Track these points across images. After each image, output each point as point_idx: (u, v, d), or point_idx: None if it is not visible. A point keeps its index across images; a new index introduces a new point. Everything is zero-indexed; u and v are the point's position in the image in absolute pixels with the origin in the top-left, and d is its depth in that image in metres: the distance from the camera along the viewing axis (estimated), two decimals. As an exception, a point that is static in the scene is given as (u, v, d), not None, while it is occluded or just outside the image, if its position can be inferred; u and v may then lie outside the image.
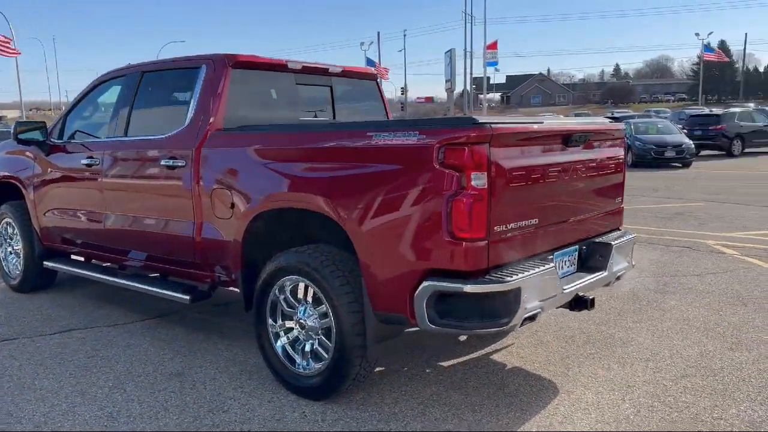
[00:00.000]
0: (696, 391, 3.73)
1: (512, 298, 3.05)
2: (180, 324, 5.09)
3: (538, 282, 3.20)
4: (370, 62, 52.09)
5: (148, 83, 4.84)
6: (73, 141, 5.39)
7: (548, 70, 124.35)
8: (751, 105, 51.14)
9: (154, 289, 4.61)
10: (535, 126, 3.33)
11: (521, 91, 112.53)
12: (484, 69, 42.92)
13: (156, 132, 4.60)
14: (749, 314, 5.16)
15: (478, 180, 2.97)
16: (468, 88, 53.35)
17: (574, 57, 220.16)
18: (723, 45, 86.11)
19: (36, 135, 5.41)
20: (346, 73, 5.08)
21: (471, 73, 52.10)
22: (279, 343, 3.80)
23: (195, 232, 4.24)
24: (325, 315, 3.54)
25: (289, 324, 3.77)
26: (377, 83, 5.39)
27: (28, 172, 5.71)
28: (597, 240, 3.97)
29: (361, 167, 3.30)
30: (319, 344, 3.61)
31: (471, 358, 4.29)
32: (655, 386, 3.80)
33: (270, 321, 3.82)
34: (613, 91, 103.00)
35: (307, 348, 3.68)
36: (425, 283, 3.07)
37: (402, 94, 68.77)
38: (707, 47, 56.87)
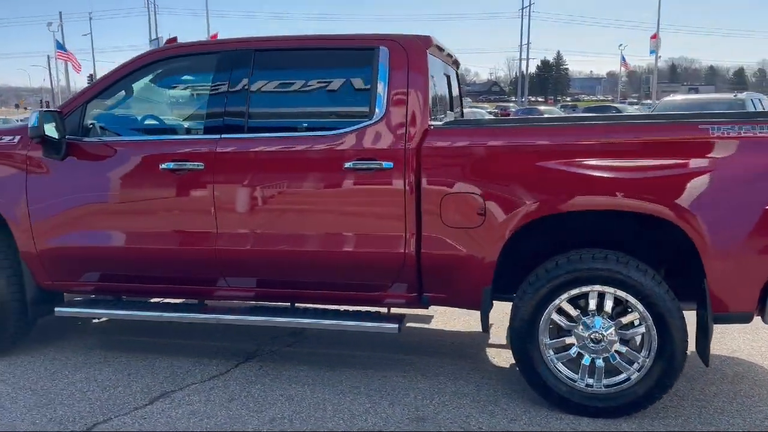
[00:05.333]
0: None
1: None
2: (284, 361, 4.16)
3: None
4: (59, 45, 46.20)
5: (270, 65, 3.84)
6: (121, 138, 4.01)
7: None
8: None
9: (349, 323, 3.75)
10: None
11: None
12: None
13: (307, 127, 3.73)
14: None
15: None
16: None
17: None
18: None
19: (47, 131, 3.83)
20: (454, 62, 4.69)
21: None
22: (552, 363, 3.43)
23: (406, 246, 3.54)
24: (629, 326, 3.32)
25: (569, 340, 3.42)
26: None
27: (13, 184, 4.01)
28: None
29: (705, 163, 3.16)
30: (622, 358, 3.36)
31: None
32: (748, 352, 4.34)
33: (543, 339, 3.41)
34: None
35: (599, 363, 3.38)
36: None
37: (90, 82, 62.29)
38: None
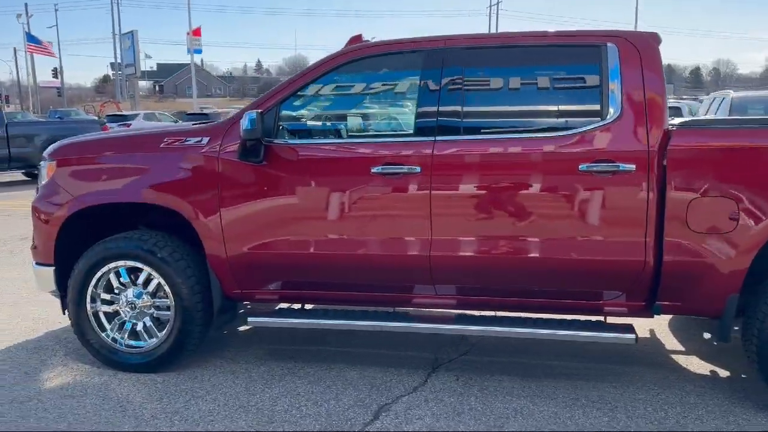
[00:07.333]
0: None
1: None
2: (475, 371, 3.97)
3: None
4: (31, 38, 44.78)
5: (484, 63, 3.69)
6: (325, 141, 3.92)
7: (201, 60, 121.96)
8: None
9: (602, 334, 3.61)
10: None
11: (175, 80, 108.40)
12: (191, 56, 40.35)
13: (530, 128, 3.59)
14: None
15: None
16: (111, 73, 49.91)
17: (226, 49, 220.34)
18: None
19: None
20: None
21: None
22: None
23: (646, 253, 3.40)
24: None
25: (819, 348, 3.34)
26: None
27: (203, 188, 3.76)
28: None
29: None
30: None
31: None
32: None
33: (793, 349, 3.33)
34: (267, 86, 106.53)
35: None
36: None
37: (55, 76, 60.77)
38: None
